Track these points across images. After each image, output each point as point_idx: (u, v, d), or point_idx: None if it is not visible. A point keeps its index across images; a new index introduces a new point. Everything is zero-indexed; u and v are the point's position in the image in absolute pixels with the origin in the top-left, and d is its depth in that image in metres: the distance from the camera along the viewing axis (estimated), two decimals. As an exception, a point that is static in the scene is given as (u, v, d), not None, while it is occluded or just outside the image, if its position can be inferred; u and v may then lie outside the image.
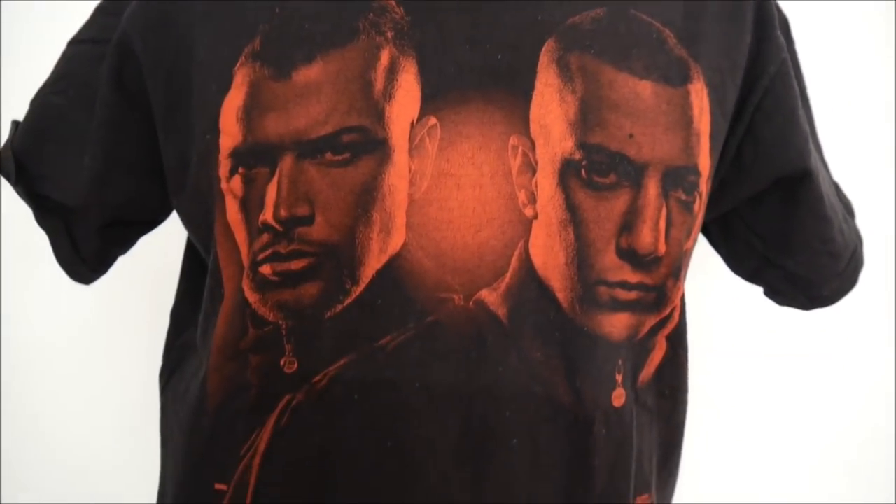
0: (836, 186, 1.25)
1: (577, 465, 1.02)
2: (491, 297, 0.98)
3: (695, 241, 1.08)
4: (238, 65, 0.99)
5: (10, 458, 1.96)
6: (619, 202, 1.00)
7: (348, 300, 0.98)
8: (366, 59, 0.97)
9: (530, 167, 0.98)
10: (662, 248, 1.01)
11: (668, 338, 1.10)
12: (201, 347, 1.09)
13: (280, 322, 0.99)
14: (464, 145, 0.97)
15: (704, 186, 1.04)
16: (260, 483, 1.02)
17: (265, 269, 0.99)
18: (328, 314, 0.98)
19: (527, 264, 0.98)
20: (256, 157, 0.98)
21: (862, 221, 1.28)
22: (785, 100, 1.10)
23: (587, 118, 0.98)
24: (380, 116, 0.97)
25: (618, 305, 1.01)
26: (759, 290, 1.31)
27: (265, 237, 0.99)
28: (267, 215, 0.98)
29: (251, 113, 0.98)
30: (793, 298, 1.29)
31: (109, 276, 1.32)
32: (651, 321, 1.05)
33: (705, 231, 1.25)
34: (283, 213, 0.97)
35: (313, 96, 0.97)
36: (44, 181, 1.15)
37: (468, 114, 0.97)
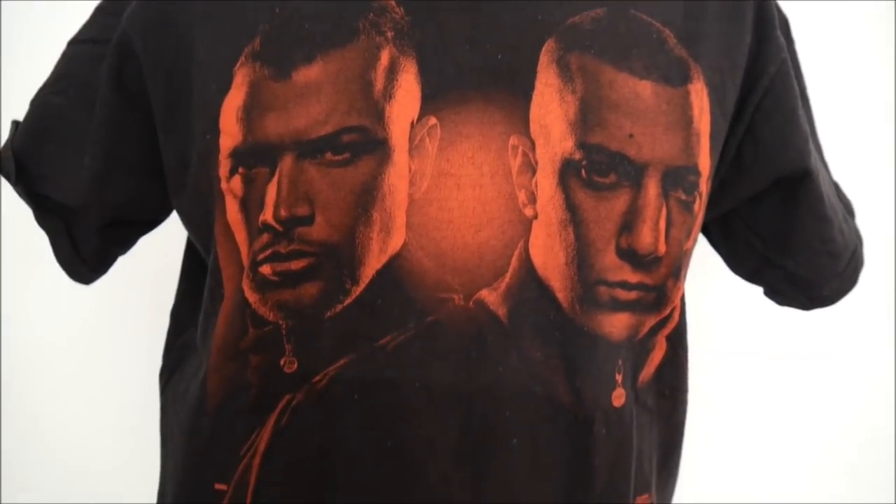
0: (836, 186, 1.25)
1: (577, 464, 1.02)
2: (491, 296, 0.98)
3: (695, 241, 1.08)
4: (238, 65, 0.99)
5: (10, 458, 1.96)
6: (619, 202, 1.00)
7: (348, 300, 0.98)
8: (366, 59, 0.97)
9: (530, 167, 0.98)
10: (662, 248, 1.01)
11: (668, 338, 1.10)
12: (201, 347, 1.09)
13: (280, 322, 0.99)
14: (464, 145, 0.97)
15: (704, 186, 1.04)
16: (260, 483, 1.02)
17: (265, 269, 0.99)
18: (328, 314, 0.98)
19: (527, 264, 0.98)
20: (256, 157, 0.98)
21: (862, 221, 1.28)
22: (785, 100, 1.10)
23: (587, 118, 0.98)
24: (380, 116, 0.97)
25: (618, 305, 1.01)
26: (758, 290, 1.31)
27: (265, 237, 0.99)
28: (267, 215, 0.98)
29: (251, 113, 0.98)
30: (793, 298, 1.29)
31: (109, 277, 1.32)
32: (651, 321, 1.05)
33: (705, 231, 1.25)
34: (283, 212, 0.97)
35: (313, 96, 0.97)
36: (44, 181, 1.15)
37: (468, 114, 0.97)
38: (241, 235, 1.01)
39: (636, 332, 1.04)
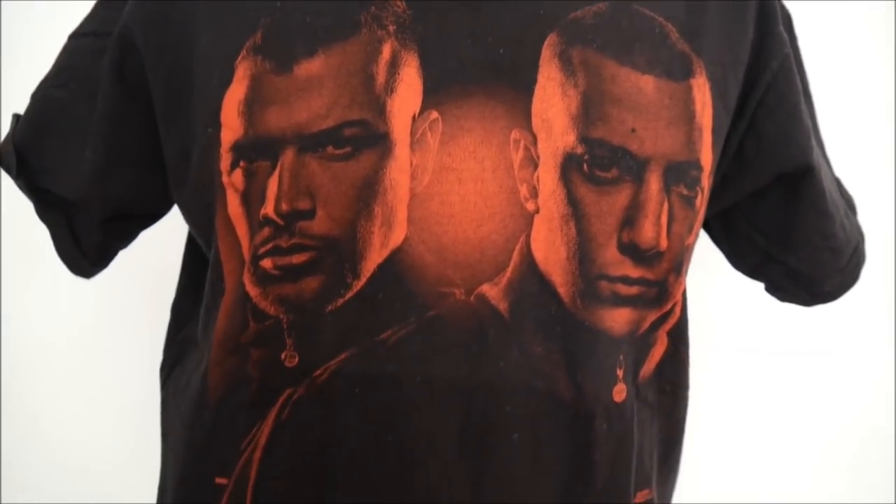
0: (838, 182, 1.25)
1: (577, 460, 1.02)
2: (492, 291, 0.98)
3: (696, 236, 1.08)
4: (239, 58, 0.99)
5: (10, 458, 1.96)
6: (621, 197, 0.99)
7: (349, 294, 0.97)
8: (367, 52, 0.97)
9: (532, 161, 0.98)
10: (664, 243, 1.01)
11: (670, 333, 1.10)
12: (202, 341, 1.09)
13: (281, 316, 0.99)
14: (465, 139, 0.97)
15: (706, 181, 1.04)
16: (261, 477, 1.01)
17: (266, 263, 0.99)
18: (329, 308, 0.98)
19: (528, 259, 0.98)
20: (258, 150, 0.98)
21: (862, 221, 1.28)
22: (787, 95, 1.10)
23: (589, 112, 0.98)
24: (381, 110, 0.97)
25: (619, 300, 1.01)
26: (760, 286, 1.31)
27: (266, 231, 0.98)
28: (268, 209, 0.98)
29: (252, 106, 0.98)
30: (794, 294, 1.29)
31: (110, 276, 1.32)
32: (652, 316, 1.05)
33: (706, 227, 1.25)
34: (284, 206, 0.97)
35: (315, 90, 0.97)
36: (45, 175, 1.15)
37: (470, 108, 0.97)
38: (242, 229, 1.00)
39: (637, 328, 1.04)
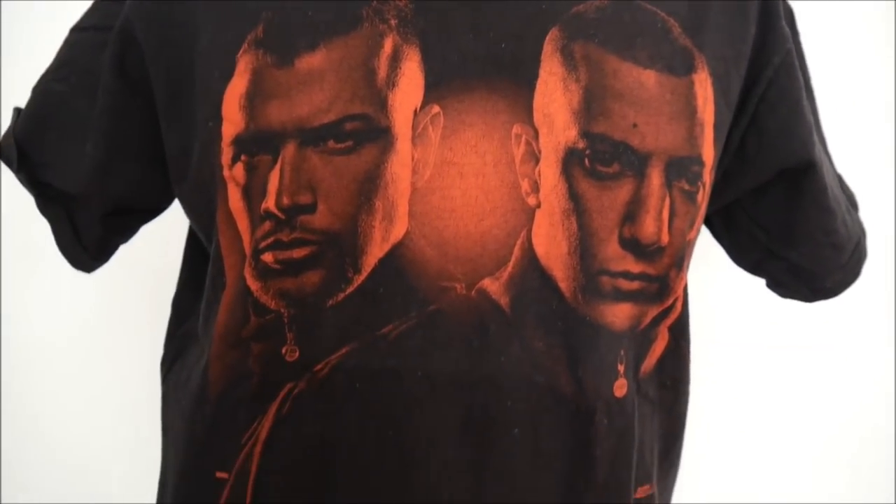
0: (840, 178, 1.25)
1: (578, 455, 1.02)
2: (493, 286, 0.98)
3: (698, 231, 1.08)
4: (241, 52, 0.99)
5: (10, 458, 1.96)
6: (623, 192, 0.99)
7: (350, 289, 0.97)
8: (369, 46, 0.97)
9: (533, 156, 0.98)
10: (665, 239, 1.01)
11: (671, 328, 1.10)
12: (203, 336, 1.08)
13: (282, 310, 0.99)
14: (467, 134, 0.97)
15: (708, 177, 1.04)
16: (261, 471, 1.01)
17: (267, 257, 0.99)
18: (330, 302, 0.98)
19: (529, 253, 0.98)
20: (259, 144, 0.98)
21: (862, 220, 1.28)
22: (789, 91, 1.10)
23: (591, 107, 0.98)
24: (383, 104, 0.97)
25: (620, 295, 1.01)
26: (760, 282, 1.31)
27: (267, 225, 0.98)
28: (269, 203, 0.98)
29: (254, 100, 0.98)
30: (795, 290, 1.29)
31: (110, 276, 1.32)
32: (653, 311, 1.05)
33: (708, 223, 1.25)
34: (285, 200, 0.97)
35: (316, 84, 0.97)
36: (46, 169, 1.15)
37: (471, 102, 0.97)
38: (243, 223, 1.00)
39: (638, 323, 1.04)
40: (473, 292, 0.97)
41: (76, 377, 1.94)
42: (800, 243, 1.18)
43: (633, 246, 1.00)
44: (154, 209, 1.24)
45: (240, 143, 0.99)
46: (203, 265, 1.10)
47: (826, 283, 1.24)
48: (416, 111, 0.97)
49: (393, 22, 0.98)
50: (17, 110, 1.17)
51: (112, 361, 1.93)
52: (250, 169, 0.99)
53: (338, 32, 0.98)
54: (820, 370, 1.95)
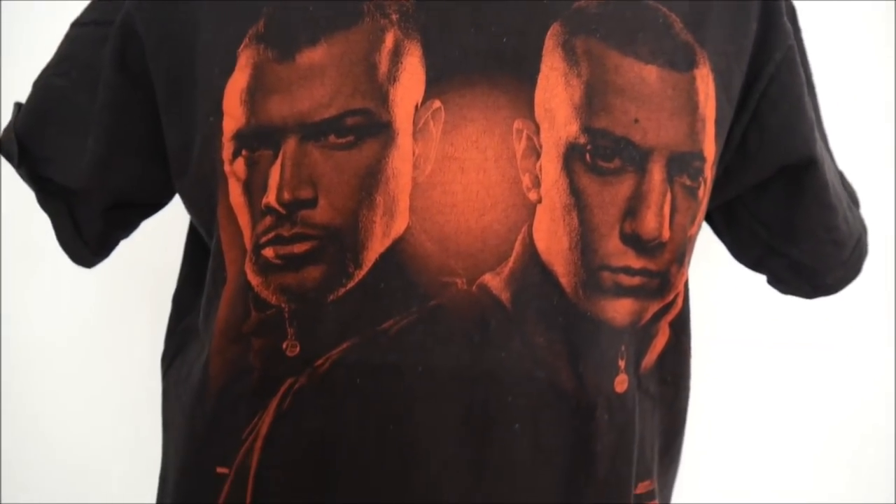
0: (841, 175, 1.25)
1: (579, 450, 1.02)
2: (494, 281, 0.98)
3: (699, 227, 1.08)
4: (241, 47, 0.99)
5: (10, 458, 1.96)
6: (624, 187, 0.99)
7: (351, 284, 0.97)
8: (370, 41, 0.97)
9: (535, 151, 0.98)
10: (666, 234, 1.01)
11: (672, 324, 1.10)
12: (203, 331, 1.08)
13: (283, 305, 0.99)
14: (468, 129, 0.97)
15: (709, 172, 1.04)
16: (262, 466, 1.01)
17: (268, 252, 0.99)
18: (331, 298, 0.98)
19: (530, 249, 0.98)
20: (260, 139, 0.98)
21: (862, 220, 1.28)
22: (791, 87, 1.10)
23: (592, 102, 0.98)
24: (384, 99, 0.97)
25: (621, 291, 1.01)
26: (761, 279, 1.31)
27: (268, 220, 0.98)
28: (270, 198, 0.98)
29: (255, 95, 0.98)
30: (796, 287, 1.28)
31: (110, 276, 1.32)
32: (654, 307, 1.05)
33: (709, 219, 1.25)
34: (286, 196, 0.97)
35: (317, 79, 0.97)
36: (47, 164, 1.15)
37: (473, 97, 0.97)
38: (244, 218, 1.00)
39: (639, 318, 1.04)
40: (474, 287, 0.97)
41: (76, 377, 1.94)
42: (801, 240, 1.18)
43: (635, 241, 1.00)
44: (155, 204, 1.24)
45: (240, 138, 0.99)
46: (204, 261, 1.09)
47: (827, 279, 1.24)
48: (417, 106, 0.97)
49: (394, 17, 0.98)
50: (18, 105, 1.17)
51: (112, 361, 1.93)
52: (251, 164, 0.99)
53: (339, 27, 0.98)
54: (820, 368, 1.95)
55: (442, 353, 0.98)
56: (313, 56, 0.97)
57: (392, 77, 0.97)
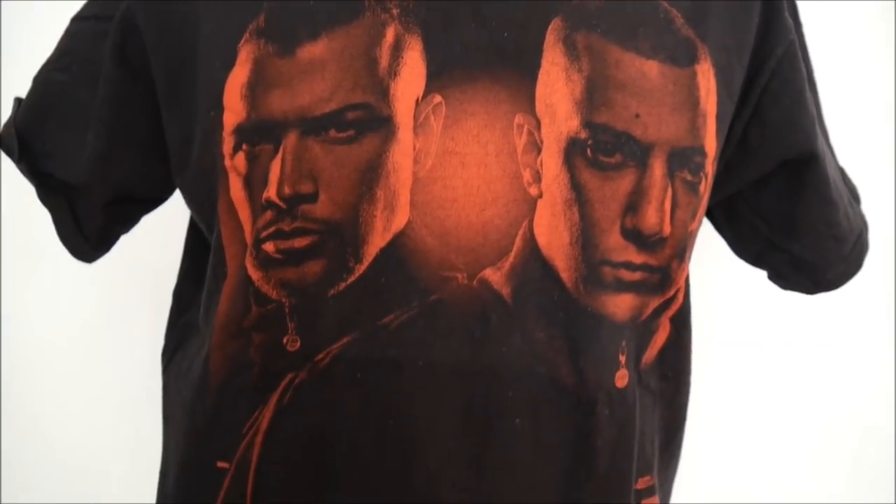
0: (842, 171, 1.25)
1: (579, 445, 1.02)
2: (495, 276, 0.98)
3: (700, 222, 1.08)
4: (242, 41, 0.98)
5: (10, 458, 1.96)
6: (625, 182, 0.99)
7: (352, 278, 0.97)
8: (371, 36, 0.97)
9: (535, 146, 0.98)
10: (667, 229, 1.01)
11: (672, 319, 1.10)
12: (204, 325, 1.08)
13: (283, 300, 0.99)
14: (469, 123, 0.97)
15: (710, 167, 1.04)
16: (262, 461, 1.01)
17: (268, 247, 0.99)
18: (331, 292, 0.98)
19: (531, 244, 0.98)
20: (260, 133, 0.98)
21: (862, 219, 1.28)
22: (792, 82, 1.10)
23: (593, 97, 0.98)
24: (384, 94, 0.97)
25: (622, 286, 1.01)
26: (762, 276, 1.31)
27: (269, 214, 0.98)
28: (271, 192, 0.98)
29: (255, 90, 0.98)
30: (797, 283, 1.28)
31: (110, 276, 1.32)
32: (655, 302, 1.05)
33: (709, 214, 1.24)
34: (286, 190, 0.97)
35: (318, 73, 0.97)
36: (47, 159, 1.14)
37: (474, 92, 0.97)
38: (244, 213, 1.00)
39: (640, 314, 1.04)
40: (475, 282, 0.97)
41: (76, 377, 1.94)
42: (802, 235, 1.18)
43: (635, 236, 1.00)
44: (156, 199, 1.23)
45: (241, 133, 0.98)
46: (204, 255, 1.09)
47: (828, 275, 1.24)
48: (417, 101, 0.97)
49: (395, 11, 0.98)
50: (18, 100, 1.16)
51: (112, 361, 1.93)
52: (251, 158, 0.99)
53: (339, 22, 0.97)
54: (820, 365, 1.95)
55: (442, 347, 0.98)
56: (314, 50, 0.97)
57: (393, 71, 0.97)
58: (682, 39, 1.01)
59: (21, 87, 1.18)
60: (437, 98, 0.97)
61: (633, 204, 1.00)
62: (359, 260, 0.97)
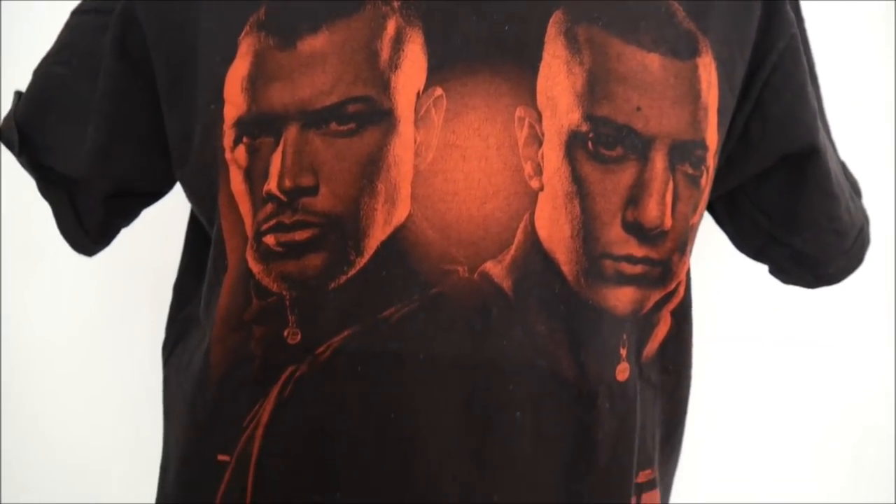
0: (843, 165, 1.25)
1: (580, 438, 1.02)
2: (496, 269, 0.97)
3: (701, 216, 1.07)
4: (243, 34, 0.98)
5: (10, 458, 1.96)
6: (626, 175, 0.99)
7: (352, 271, 0.97)
8: (372, 28, 0.97)
9: (537, 139, 0.98)
10: (668, 222, 1.01)
11: (673, 313, 1.10)
12: (204, 319, 1.08)
13: (284, 293, 0.99)
14: (470, 117, 0.97)
15: (711, 161, 1.04)
16: (262, 454, 1.01)
17: (269, 240, 0.99)
18: (332, 285, 0.98)
19: (532, 237, 0.98)
20: (261, 126, 0.98)
21: (862, 218, 1.28)
22: (794, 76, 1.10)
23: (594, 90, 0.98)
24: (385, 87, 0.97)
25: (623, 279, 1.01)
26: (763, 273, 1.31)
27: (269, 207, 0.98)
28: (271, 185, 0.97)
29: (256, 83, 0.98)
30: (798, 277, 1.28)
31: (110, 276, 1.32)
32: (656, 296, 1.05)
33: (710, 209, 1.25)
34: (287, 183, 0.97)
35: (318, 66, 0.97)
36: (47, 152, 1.14)
37: (475, 85, 0.97)
38: (245, 206, 1.00)
39: (641, 307, 1.04)
40: (476, 275, 0.97)
41: (76, 377, 1.94)
42: (803, 229, 1.18)
43: (637, 230, 1.00)
44: (156, 192, 1.23)
45: (242, 126, 0.98)
46: (205, 249, 1.09)
47: (829, 269, 1.24)
48: (418, 94, 0.97)
49: (396, 4, 0.98)
50: (18, 94, 1.16)
51: (112, 361, 1.93)
52: (252, 151, 0.99)
53: (340, 15, 0.97)
54: (821, 363, 1.95)
55: (443, 340, 0.98)
56: (314, 43, 0.97)
57: (393, 64, 0.97)
58: (683, 32, 1.01)
59: (21, 86, 1.18)
60: (438, 91, 0.97)
61: (635, 197, 1.00)
62: (359, 253, 0.97)
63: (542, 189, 0.98)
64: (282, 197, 0.97)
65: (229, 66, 0.99)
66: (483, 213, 0.97)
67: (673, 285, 1.06)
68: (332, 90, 0.96)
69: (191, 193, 1.10)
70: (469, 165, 0.97)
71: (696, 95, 1.01)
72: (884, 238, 1.86)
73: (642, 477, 1.09)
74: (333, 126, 0.96)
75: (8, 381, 1.94)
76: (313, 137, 0.96)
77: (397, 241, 0.97)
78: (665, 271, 1.04)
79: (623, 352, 1.03)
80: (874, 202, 1.36)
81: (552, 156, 0.98)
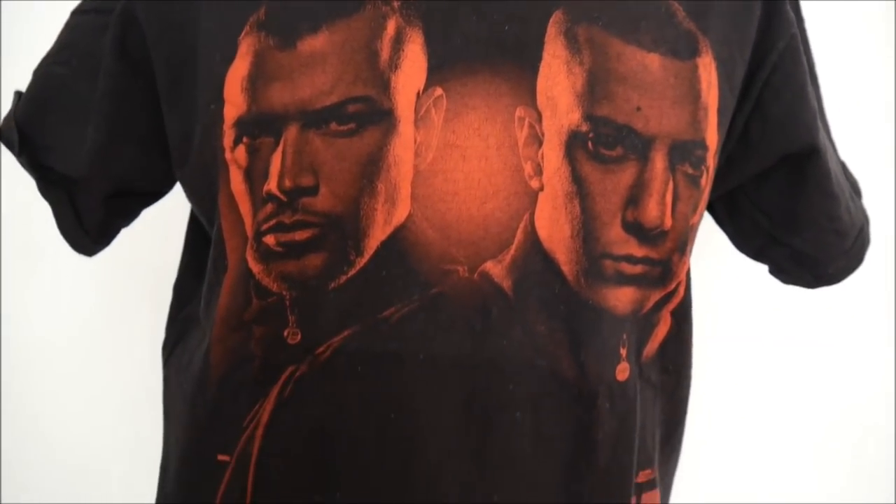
0: (843, 165, 1.25)
1: (580, 438, 1.02)
2: (496, 269, 0.97)
3: (701, 216, 1.07)
4: (243, 34, 0.98)
5: (10, 458, 1.96)
6: (626, 175, 0.99)
7: (352, 271, 0.97)
8: (372, 28, 0.97)
9: (536, 139, 0.97)
10: (668, 222, 1.01)
11: (673, 313, 1.10)
12: (204, 319, 1.08)
13: (284, 293, 0.99)
14: (470, 117, 0.97)
15: (711, 161, 1.04)
16: (262, 454, 1.01)
17: (269, 240, 0.99)
18: (332, 285, 0.98)
19: (532, 237, 0.98)
20: (261, 126, 0.98)
21: (862, 218, 1.28)
22: (794, 76, 1.10)
23: (594, 90, 0.98)
24: (385, 87, 0.97)
25: (623, 279, 1.01)
26: (763, 274, 1.31)
27: (269, 207, 0.98)
28: (271, 185, 0.97)
29: (256, 83, 0.98)
30: (798, 277, 1.28)
31: (110, 276, 1.32)
32: (656, 296, 1.05)
33: (710, 209, 1.25)
34: (287, 183, 0.97)
35: (318, 66, 0.97)
36: (47, 152, 1.14)
37: (475, 85, 0.97)
38: (245, 206, 1.00)
39: (641, 307, 1.04)
40: (476, 275, 0.97)
41: (76, 377, 1.94)
42: (803, 229, 1.18)
43: (637, 230, 1.00)
44: (156, 192, 1.23)
45: (242, 126, 0.98)
46: (205, 249, 1.09)
47: (829, 269, 1.24)
48: (418, 94, 0.97)
49: (396, 4, 0.98)
50: (18, 94, 1.16)
51: (112, 361, 1.93)
52: (252, 151, 0.98)
53: (340, 15, 0.97)
54: (821, 363, 1.95)
55: (443, 340, 0.97)
56: (314, 43, 0.97)
57: (393, 64, 0.97)
58: (683, 32, 1.01)
59: (21, 86, 1.18)
60: (438, 91, 0.97)
61: (635, 197, 1.00)
62: (359, 253, 0.97)
63: (542, 189, 0.97)
64: (282, 197, 0.97)
65: (229, 66, 0.99)
66: (483, 213, 0.97)
67: (673, 285, 1.06)
68: (332, 90, 0.96)
69: (191, 193, 1.10)
70: (469, 165, 0.97)
71: (696, 95, 1.01)
72: (884, 238, 1.85)
73: (642, 477, 1.09)
74: (333, 126, 0.96)
75: (8, 381, 1.94)
76: (313, 137, 0.96)
77: (397, 241, 0.97)
78: (665, 271, 1.04)
79: (623, 352, 1.03)
80: (874, 202, 1.36)
81: (552, 156, 0.98)
